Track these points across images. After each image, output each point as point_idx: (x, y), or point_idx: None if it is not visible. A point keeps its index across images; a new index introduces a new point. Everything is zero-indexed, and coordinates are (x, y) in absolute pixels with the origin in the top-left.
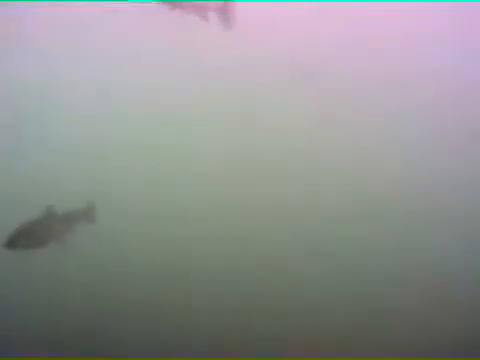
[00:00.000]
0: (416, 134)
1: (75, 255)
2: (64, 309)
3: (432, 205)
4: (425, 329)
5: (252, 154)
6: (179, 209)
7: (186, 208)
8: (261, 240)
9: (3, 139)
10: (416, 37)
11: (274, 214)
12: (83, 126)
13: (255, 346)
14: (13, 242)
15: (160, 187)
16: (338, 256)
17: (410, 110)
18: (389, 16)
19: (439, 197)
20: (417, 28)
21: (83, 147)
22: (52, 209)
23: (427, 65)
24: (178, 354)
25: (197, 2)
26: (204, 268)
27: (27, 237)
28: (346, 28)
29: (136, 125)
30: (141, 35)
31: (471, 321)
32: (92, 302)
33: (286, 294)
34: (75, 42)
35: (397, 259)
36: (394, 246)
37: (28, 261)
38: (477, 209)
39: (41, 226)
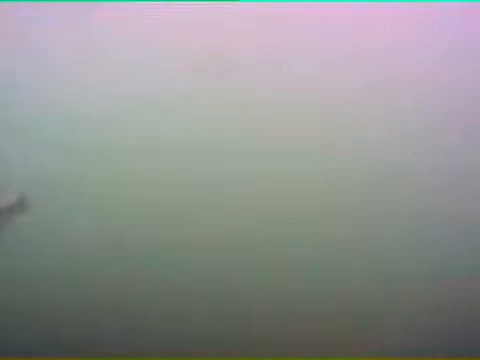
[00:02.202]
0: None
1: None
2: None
3: (428, 205)
4: (425, 329)
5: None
6: (176, 208)
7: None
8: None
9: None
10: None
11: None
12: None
13: (255, 346)
14: None
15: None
16: (337, 256)
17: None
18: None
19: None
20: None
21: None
22: None
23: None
24: (178, 354)
25: None
26: (204, 268)
27: None
28: (266, 24)
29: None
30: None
31: (471, 320)
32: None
33: (286, 295)
34: (75, 42)
35: (397, 259)
36: (393, 246)
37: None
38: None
39: None
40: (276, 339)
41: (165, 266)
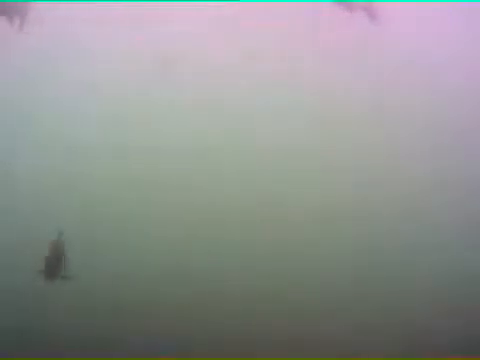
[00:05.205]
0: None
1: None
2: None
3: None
4: (425, 329)
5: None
6: (173, 210)
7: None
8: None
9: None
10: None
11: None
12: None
13: (255, 346)
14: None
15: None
16: (336, 256)
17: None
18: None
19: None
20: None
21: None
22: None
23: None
24: (178, 354)
25: None
26: (204, 268)
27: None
28: (208, 18)
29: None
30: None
31: (471, 320)
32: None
33: (285, 295)
34: (74, 41)
35: (395, 259)
36: (392, 246)
37: None
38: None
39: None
40: (276, 339)
41: (166, 266)
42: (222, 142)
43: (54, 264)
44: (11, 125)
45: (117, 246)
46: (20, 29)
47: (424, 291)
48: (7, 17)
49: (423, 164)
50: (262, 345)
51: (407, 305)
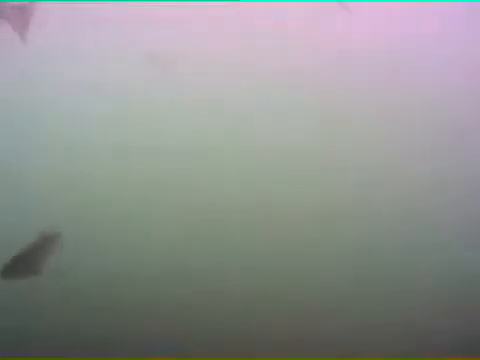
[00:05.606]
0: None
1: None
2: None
3: (418, 206)
4: (425, 329)
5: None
6: (173, 211)
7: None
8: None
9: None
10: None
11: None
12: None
13: (255, 346)
14: (9, 271)
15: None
16: (336, 256)
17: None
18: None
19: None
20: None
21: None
22: (45, 231)
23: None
24: (178, 354)
25: None
26: (204, 269)
27: (24, 264)
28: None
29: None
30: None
31: (471, 320)
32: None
33: (285, 295)
34: (76, 41)
35: (395, 259)
36: (392, 246)
37: None
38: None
39: (37, 251)
40: (276, 339)
41: (166, 266)
42: (222, 142)
43: (25, 259)
44: (11, 125)
45: (117, 246)
46: (23, 30)
47: (424, 291)
48: (9, 18)
49: (423, 164)
50: (262, 345)
51: (407, 305)
